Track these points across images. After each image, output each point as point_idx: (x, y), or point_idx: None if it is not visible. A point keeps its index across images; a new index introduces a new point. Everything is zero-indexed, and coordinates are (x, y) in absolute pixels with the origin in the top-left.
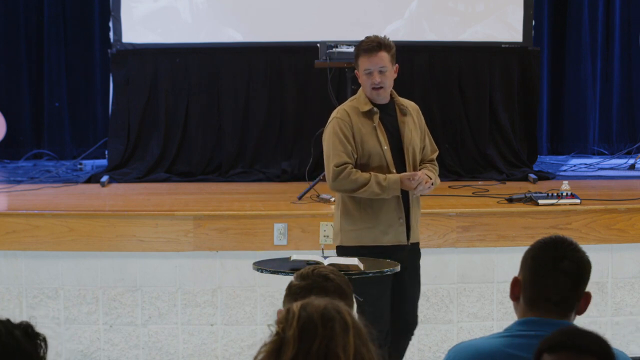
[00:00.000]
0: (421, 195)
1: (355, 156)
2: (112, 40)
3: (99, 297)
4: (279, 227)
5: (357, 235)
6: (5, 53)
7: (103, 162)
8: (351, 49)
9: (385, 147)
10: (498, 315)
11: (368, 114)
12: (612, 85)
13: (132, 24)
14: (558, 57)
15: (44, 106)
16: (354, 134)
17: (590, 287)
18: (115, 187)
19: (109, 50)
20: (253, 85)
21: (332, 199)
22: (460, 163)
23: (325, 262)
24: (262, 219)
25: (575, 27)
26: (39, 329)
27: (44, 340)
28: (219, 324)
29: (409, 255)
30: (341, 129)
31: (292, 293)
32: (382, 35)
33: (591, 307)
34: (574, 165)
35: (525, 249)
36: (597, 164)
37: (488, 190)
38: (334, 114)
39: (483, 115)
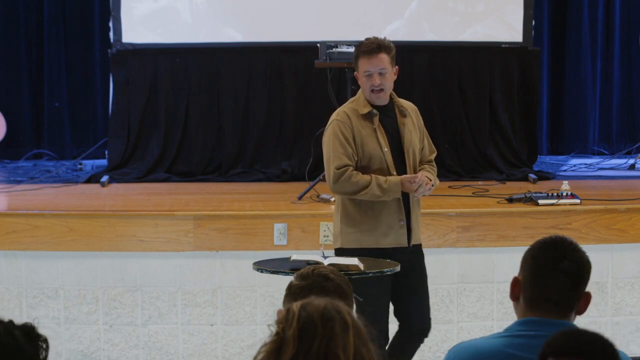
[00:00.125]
0: (422, 196)
1: (356, 158)
2: (112, 40)
3: (99, 297)
4: (279, 227)
5: (357, 237)
6: (5, 53)
7: (103, 162)
8: (351, 49)
9: (386, 149)
10: (498, 315)
11: (368, 116)
12: (612, 85)
13: (132, 24)
14: (558, 57)
15: (44, 106)
16: (354, 136)
17: (590, 287)
18: (115, 187)
19: (109, 50)
20: (253, 85)
21: (332, 199)
22: (460, 163)
23: (325, 262)
24: (262, 219)
25: (575, 27)
26: (39, 329)
27: (46, 341)
28: (219, 324)
29: (413, 258)
30: (341, 131)
31: (292, 293)
32: (382, 37)
33: (591, 307)
34: (574, 165)
35: (525, 249)
36: (597, 164)
37: (488, 190)
38: (333, 116)
39: (483, 115)
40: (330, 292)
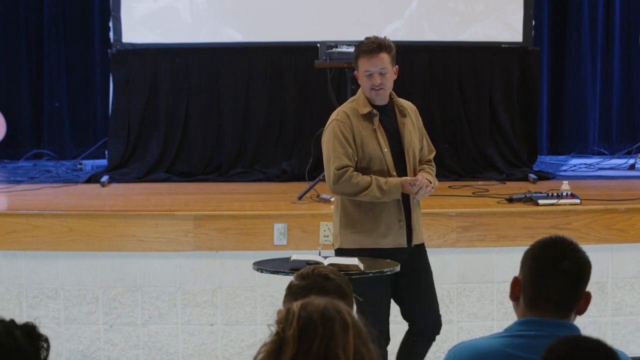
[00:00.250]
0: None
1: (356, 159)
2: (112, 40)
3: (99, 297)
4: (279, 227)
5: (357, 238)
6: (5, 53)
7: (103, 162)
8: (351, 49)
9: (386, 150)
10: (498, 315)
11: (368, 116)
12: (612, 85)
13: (132, 24)
14: (558, 57)
15: (44, 106)
16: (354, 136)
17: (590, 287)
18: (115, 187)
19: (109, 50)
20: (253, 85)
21: (332, 199)
22: (460, 163)
23: (325, 262)
24: (262, 219)
25: (575, 27)
26: (40, 329)
27: (47, 341)
28: (219, 324)
29: (415, 257)
30: (341, 131)
31: (292, 293)
32: (382, 36)
33: (591, 307)
34: (574, 165)
35: (525, 249)
36: (597, 164)
37: (488, 190)
38: (333, 116)
39: (483, 115)
40: (330, 292)
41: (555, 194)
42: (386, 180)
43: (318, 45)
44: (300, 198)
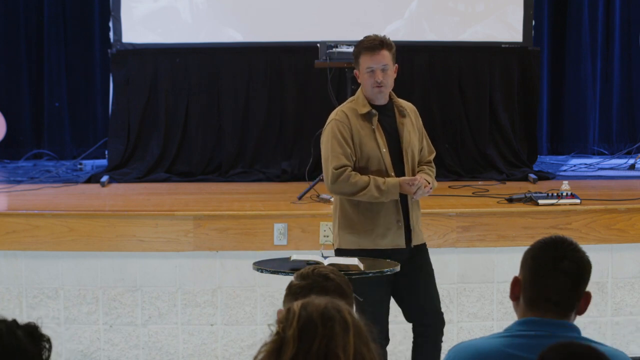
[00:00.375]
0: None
1: (354, 159)
2: (112, 40)
3: (99, 297)
4: (279, 227)
5: (356, 238)
6: (5, 53)
7: (103, 162)
8: (351, 49)
9: (384, 150)
10: (498, 315)
11: (367, 116)
12: (612, 85)
13: (132, 24)
14: (558, 57)
15: (44, 106)
16: (352, 136)
17: (590, 287)
18: (115, 187)
19: (109, 50)
20: (253, 85)
21: (332, 199)
22: (460, 163)
23: (325, 262)
24: (262, 219)
25: (575, 27)
26: (42, 329)
27: (49, 341)
28: (219, 324)
29: (415, 258)
30: (340, 131)
31: (292, 293)
32: (382, 35)
33: (591, 307)
34: (574, 165)
35: (525, 249)
36: (597, 164)
37: (488, 190)
38: (332, 115)
39: (483, 115)
40: (330, 292)
41: (555, 194)
42: (384, 181)
43: (318, 45)
44: (300, 198)
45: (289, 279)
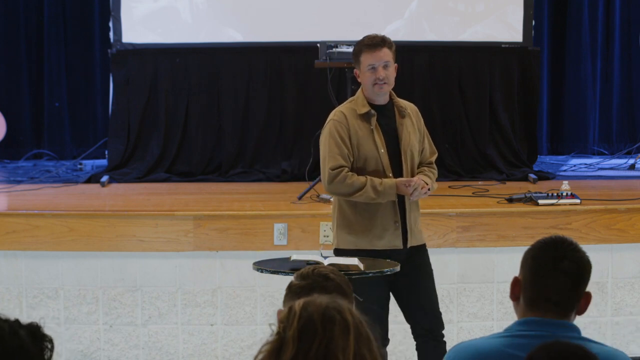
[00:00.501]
0: (417, 199)
1: (352, 159)
2: (112, 40)
3: (99, 297)
4: (279, 227)
5: (353, 238)
6: (5, 53)
7: (103, 162)
8: (351, 49)
9: (382, 151)
10: (498, 315)
11: (365, 116)
12: (612, 85)
13: (132, 24)
14: (558, 57)
15: (44, 106)
16: (350, 136)
17: (590, 287)
18: (115, 187)
19: (109, 50)
20: (253, 85)
21: (332, 199)
22: (460, 163)
23: (325, 262)
24: (262, 219)
25: (575, 27)
26: (44, 329)
27: (51, 341)
28: (219, 324)
29: (412, 259)
30: (337, 131)
31: (292, 293)
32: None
33: (591, 307)
34: (574, 165)
35: (525, 249)
36: (597, 164)
37: (488, 190)
38: (330, 115)
39: (483, 115)
40: (331, 291)
41: (555, 194)
42: (381, 181)
43: (318, 45)
44: (300, 198)
45: (289, 279)
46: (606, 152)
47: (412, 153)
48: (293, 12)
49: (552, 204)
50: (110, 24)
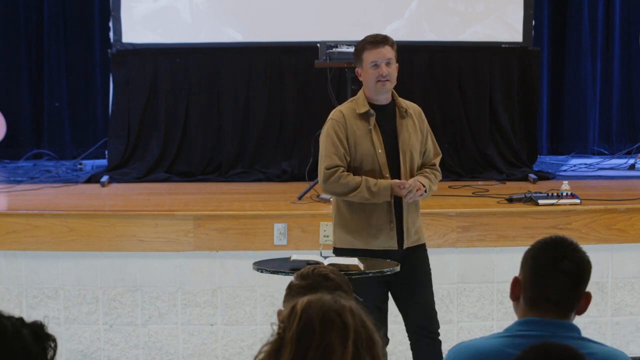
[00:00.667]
0: (414, 200)
1: (348, 159)
2: (112, 40)
3: (99, 297)
4: (279, 227)
5: (350, 238)
6: (5, 53)
7: (103, 162)
8: (351, 49)
9: (380, 151)
10: (498, 315)
11: (365, 116)
12: (612, 85)
13: (132, 24)
14: (558, 57)
15: (44, 106)
16: (347, 136)
17: (590, 287)
18: (115, 187)
19: (109, 50)
20: (253, 85)
21: (332, 199)
22: (460, 163)
23: (325, 262)
24: (262, 219)
25: (575, 27)
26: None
27: (54, 341)
28: (219, 324)
29: (409, 260)
30: (335, 130)
31: (292, 293)
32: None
33: (591, 307)
34: (574, 165)
35: (525, 249)
36: (597, 164)
37: (488, 190)
38: (330, 115)
39: (483, 115)
40: (331, 292)
41: (555, 194)
42: (376, 182)
43: (318, 45)
44: (300, 198)
45: (289, 279)
46: (606, 152)
47: (412, 154)
48: (293, 12)
49: (552, 204)
50: (110, 24)
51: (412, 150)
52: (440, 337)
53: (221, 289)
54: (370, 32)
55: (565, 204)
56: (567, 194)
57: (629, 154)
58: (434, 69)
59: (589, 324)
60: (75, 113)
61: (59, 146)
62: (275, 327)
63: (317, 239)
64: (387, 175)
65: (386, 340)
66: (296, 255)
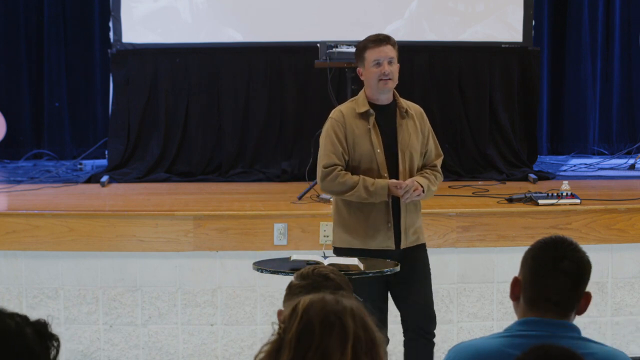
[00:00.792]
0: (412, 201)
1: (347, 158)
2: (112, 40)
3: (99, 297)
4: (279, 227)
5: (348, 237)
6: (5, 53)
7: (103, 162)
8: (351, 49)
9: (378, 150)
10: (498, 315)
11: (364, 115)
12: (612, 85)
13: (132, 24)
14: (558, 57)
15: (44, 106)
16: (346, 135)
17: (590, 287)
18: (115, 187)
19: (109, 50)
20: (253, 85)
21: (332, 199)
22: (460, 163)
23: (325, 262)
24: (262, 219)
25: (575, 27)
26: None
27: (57, 340)
28: (219, 324)
29: (407, 260)
30: (334, 130)
31: (292, 293)
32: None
33: (591, 307)
34: (574, 165)
35: (525, 249)
36: (597, 164)
37: (488, 190)
38: (330, 114)
39: (483, 115)
40: (333, 292)
41: (555, 194)
42: (373, 182)
43: (318, 45)
44: (300, 198)
45: (289, 279)
46: (606, 152)
47: (411, 154)
48: (293, 12)
49: (552, 204)
50: (110, 24)
51: (411, 151)
52: (434, 339)
53: (221, 289)
54: (371, 32)
55: (565, 204)
56: (567, 194)
57: (629, 154)
58: (434, 69)
59: (589, 324)
60: (75, 113)
61: (59, 146)
62: (276, 327)
63: (317, 239)
64: (386, 175)
65: (386, 341)
66: (296, 255)
